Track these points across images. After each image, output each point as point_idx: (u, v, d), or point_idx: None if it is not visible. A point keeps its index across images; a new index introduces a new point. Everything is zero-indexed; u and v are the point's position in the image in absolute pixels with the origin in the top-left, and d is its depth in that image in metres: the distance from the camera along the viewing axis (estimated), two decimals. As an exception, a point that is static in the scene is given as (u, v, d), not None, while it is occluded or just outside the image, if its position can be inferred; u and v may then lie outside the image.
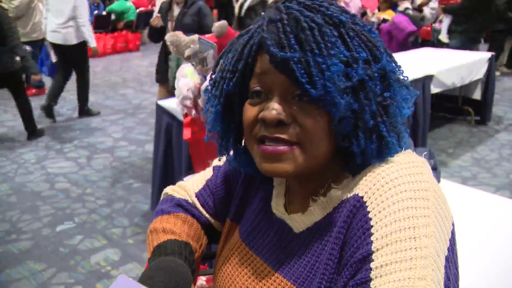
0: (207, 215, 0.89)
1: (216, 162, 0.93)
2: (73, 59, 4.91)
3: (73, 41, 4.79)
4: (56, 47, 4.85)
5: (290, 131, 0.63)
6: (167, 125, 2.68)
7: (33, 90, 6.17)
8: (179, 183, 0.96)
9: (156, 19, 3.65)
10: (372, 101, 0.62)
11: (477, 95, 4.69)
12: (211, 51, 1.90)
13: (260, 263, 0.75)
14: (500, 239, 1.40)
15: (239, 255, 0.79)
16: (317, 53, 0.60)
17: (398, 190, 0.59)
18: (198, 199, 0.90)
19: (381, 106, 0.63)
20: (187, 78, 1.99)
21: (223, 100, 0.71)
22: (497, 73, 6.49)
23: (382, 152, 0.64)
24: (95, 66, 7.68)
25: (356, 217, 0.61)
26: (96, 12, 9.49)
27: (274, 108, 0.63)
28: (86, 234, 2.85)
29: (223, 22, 2.12)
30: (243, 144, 0.77)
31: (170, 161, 2.69)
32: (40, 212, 3.13)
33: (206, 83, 1.89)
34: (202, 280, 1.01)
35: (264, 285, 0.71)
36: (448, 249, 0.58)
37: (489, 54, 4.60)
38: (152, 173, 2.95)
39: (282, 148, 0.63)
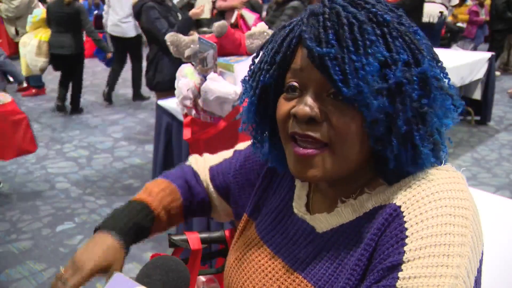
0: (211, 189, 0.94)
1: (239, 146, 0.94)
2: (130, 50, 5.60)
3: (130, 34, 5.40)
4: (115, 39, 5.49)
5: (322, 130, 0.61)
6: (167, 125, 2.68)
7: (33, 90, 6.18)
8: (206, 154, 1.00)
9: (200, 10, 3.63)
10: (407, 106, 0.59)
11: (477, 95, 4.68)
12: (211, 51, 1.90)
13: (278, 262, 0.73)
14: (500, 239, 1.40)
15: (256, 252, 0.77)
16: (353, 51, 0.58)
17: (438, 204, 0.58)
18: (210, 172, 0.95)
19: (417, 113, 0.60)
20: (187, 78, 1.99)
21: (258, 92, 0.69)
22: (497, 73, 6.49)
23: (416, 161, 0.62)
24: (96, 66, 7.66)
25: (391, 226, 0.59)
26: (96, 12, 9.46)
27: (307, 105, 0.61)
28: (86, 234, 2.85)
29: (223, 22, 2.12)
30: (278, 139, 0.74)
31: (170, 161, 2.68)
32: (40, 212, 3.13)
33: (207, 83, 1.89)
34: (202, 280, 1.01)
35: (282, 284, 0.70)
36: (478, 269, 0.57)
37: (489, 54, 4.60)
38: (152, 173, 2.94)
39: (312, 151, 0.62)
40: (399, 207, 0.60)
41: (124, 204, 0.85)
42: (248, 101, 0.71)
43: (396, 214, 0.59)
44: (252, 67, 0.73)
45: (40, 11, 5.21)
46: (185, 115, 2.12)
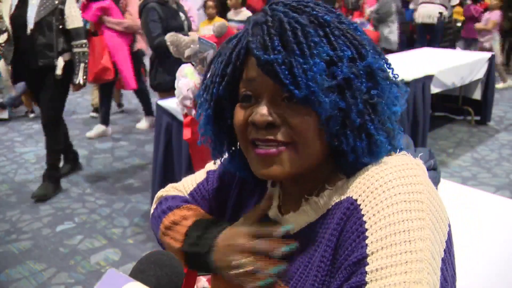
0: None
1: (210, 166, 0.92)
2: None
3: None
4: None
5: (281, 132, 0.63)
6: (167, 125, 2.68)
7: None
8: (170, 185, 0.95)
9: None
10: (358, 99, 0.62)
11: (477, 95, 4.69)
12: (211, 51, 1.90)
13: None
14: (500, 239, 1.40)
15: None
16: (299, 54, 0.60)
17: (392, 193, 0.59)
18: (192, 198, 0.90)
19: (368, 104, 0.63)
20: (187, 78, 1.99)
21: (213, 105, 0.71)
22: (497, 73, 6.49)
23: (372, 151, 0.64)
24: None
25: (350, 220, 0.60)
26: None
27: (263, 111, 0.63)
28: (86, 234, 2.85)
29: (223, 22, 2.12)
30: (237, 147, 0.77)
31: (170, 161, 2.69)
32: (40, 212, 3.13)
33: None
34: (203, 280, 1.01)
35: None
36: (444, 250, 0.58)
37: (489, 54, 4.60)
38: (152, 173, 2.95)
39: (274, 150, 0.64)
40: (356, 200, 0.61)
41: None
42: (204, 115, 0.73)
43: (354, 208, 0.61)
44: (204, 81, 0.75)
45: None
46: (185, 115, 2.12)
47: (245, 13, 4.84)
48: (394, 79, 0.67)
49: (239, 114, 0.68)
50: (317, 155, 0.65)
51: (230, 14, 4.98)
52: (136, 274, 0.60)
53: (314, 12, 0.64)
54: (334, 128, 0.62)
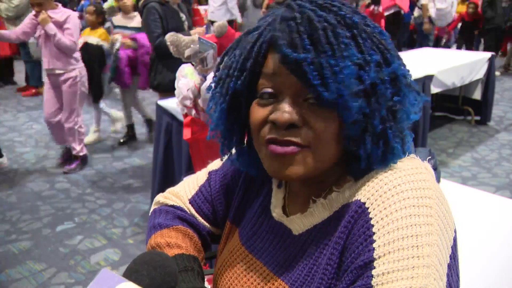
0: (203, 221, 0.88)
1: (211, 166, 0.91)
2: None
3: (223, 18, 6.08)
4: (213, 23, 6.29)
5: (302, 134, 0.61)
6: (167, 125, 2.68)
7: (33, 90, 6.18)
8: (170, 189, 0.93)
9: None
10: (382, 106, 0.60)
11: (477, 95, 4.68)
12: (211, 51, 1.90)
13: (259, 266, 0.74)
14: (500, 239, 1.40)
15: (238, 258, 0.78)
16: (330, 55, 0.58)
17: (401, 197, 0.58)
18: (192, 206, 0.88)
19: (390, 111, 0.61)
20: (187, 78, 1.98)
21: (228, 99, 0.68)
22: (497, 73, 6.50)
23: (386, 157, 0.63)
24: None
25: (358, 223, 0.60)
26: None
27: (286, 111, 0.61)
28: (86, 234, 2.85)
29: (223, 22, 2.12)
30: (246, 144, 0.76)
31: (170, 161, 2.68)
32: (40, 212, 3.13)
33: (206, 83, 1.89)
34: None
35: (263, 287, 0.71)
36: (450, 256, 0.58)
37: (489, 54, 4.60)
38: (152, 173, 2.94)
39: (291, 149, 0.61)
40: (364, 203, 0.61)
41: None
42: (218, 109, 0.70)
43: (362, 211, 0.60)
44: (217, 73, 0.72)
45: None
46: (185, 115, 2.12)
47: (138, 19, 4.03)
48: (413, 86, 0.66)
49: (257, 111, 0.65)
50: (331, 159, 0.64)
51: (119, 20, 4.29)
52: (129, 274, 0.60)
53: (341, 12, 0.61)
54: (355, 134, 0.61)
